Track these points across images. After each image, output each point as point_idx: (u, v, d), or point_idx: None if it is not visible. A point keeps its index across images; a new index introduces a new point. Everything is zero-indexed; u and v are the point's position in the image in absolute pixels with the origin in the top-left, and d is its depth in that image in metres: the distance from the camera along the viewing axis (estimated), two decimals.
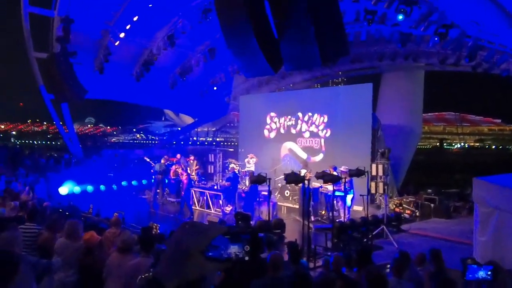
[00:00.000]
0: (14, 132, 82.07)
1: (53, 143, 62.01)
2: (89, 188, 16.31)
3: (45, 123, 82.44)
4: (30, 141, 67.90)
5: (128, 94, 20.88)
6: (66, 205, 12.52)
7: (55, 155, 25.60)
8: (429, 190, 14.99)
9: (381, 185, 12.93)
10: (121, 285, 4.55)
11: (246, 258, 0.92)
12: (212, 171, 18.55)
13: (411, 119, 18.78)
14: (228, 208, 13.51)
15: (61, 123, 20.55)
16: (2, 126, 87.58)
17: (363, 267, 4.66)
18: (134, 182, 17.31)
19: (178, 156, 18.26)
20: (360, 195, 10.51)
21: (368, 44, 16.75)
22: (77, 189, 15.83)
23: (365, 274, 3.42)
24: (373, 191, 12.68)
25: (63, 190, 15.31)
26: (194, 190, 14.81)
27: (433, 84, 21.92)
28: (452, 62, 15.77)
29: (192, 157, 17.39)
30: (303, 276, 3.54)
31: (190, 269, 0.89)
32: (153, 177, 15.87)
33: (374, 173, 12.65)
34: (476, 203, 7.33)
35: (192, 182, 15.76)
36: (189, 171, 16.51)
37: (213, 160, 18.82)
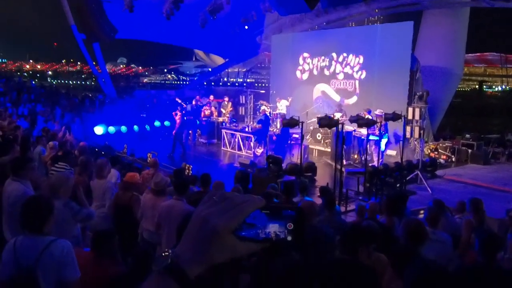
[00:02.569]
0: (50, 72, 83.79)
1: (88, 83, 63.12)
2: (123, 128, 16.62)
3: (79, 63, 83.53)
4: (65, 81, 69.31)
5: (159, 34, 20.58)
6: (101, 145, 12.88)
7: (90, 95, 26.07)
8: (467, 135, 14.43)
9: (416, 129, 12.51)
10: (154, 226, 4.65)
11: (289, 238, 0.74)
12: (243, 113, 18.46)
13: (453, 60, 17.75)
14: (259, 150, 13.53)
15: (94, 63, 20.69)
16: (39, 66, 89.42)
17: (397, 213, 4.55)
18: (166, 123, 17.45)
19: (211, 97, 18.22)
20: (396, 141, 10.20)
21: None
22: (111, 129, 16.17)
23: (403, 225, 3.29)
24: (408, 135, 12.30)
25: (98, 130, 15.67)
26: (226, 132, 14.85)
27: (476, 22, 20.39)
28: None
29: (226, 99, 17.30)
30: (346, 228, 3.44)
31: (218, 252, 0.72)
32: (185, 117, 15.95)
33: (410, 117, 12.21)
34: None
35: (224, 123, 15.80)
36: (223, 112, 16.52)
37: (244, 102, 18.68)
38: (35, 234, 2.63)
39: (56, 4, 17.77)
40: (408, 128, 12.10)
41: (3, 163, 4.58)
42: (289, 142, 13.02)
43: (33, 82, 36.00)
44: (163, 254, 0.74)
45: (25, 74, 71.36)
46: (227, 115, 16.49)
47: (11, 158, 5.01)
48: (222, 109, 16.90)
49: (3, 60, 79.09)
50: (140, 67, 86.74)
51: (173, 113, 14.48)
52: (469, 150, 13.64)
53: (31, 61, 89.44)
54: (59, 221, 3.09)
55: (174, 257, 0.73)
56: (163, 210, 4.35)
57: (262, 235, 0.74)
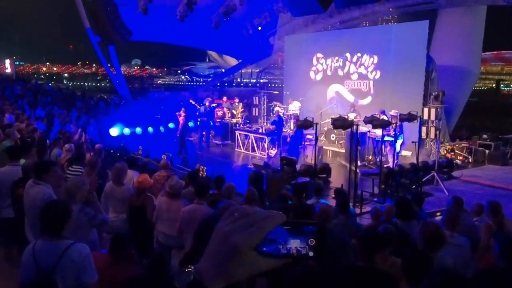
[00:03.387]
0: (66, 74, 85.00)
1: (103, 85, 63.83)
2: (138, 130, 16.77)
3: (94, 65, 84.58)
4: (81, 83, 70.22)
5: (172, 35, 20.73)
6: (117, 146, 13.01)
7: (105, 97, 26.38)
8: (484, 136, 14.19)
9: (432, 130, 12.37)
10: (169, 228, 4.67)
11: (311, 254, 0.74)
12: (257, 114, 18.46)
13: (469, 59, 17.48)
14: (273, 152, 13.51)
15: (108, 65, 20.92)
16: (55, 69, 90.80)
17: (409, 217, 4.47)
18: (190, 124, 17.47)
19: (225, 98, 18.25)
20: (412, 142, 10.07)
21: None
22: (126, 130, 16.33)
23: (420, 229, 3.24)
24: (424, 136, 12.16)
25: (113, 131, 15.83)
26: (239, 133, 14.87)
27: (493, 20, 20.03)
28: None
29: (237, 100, 17.33)
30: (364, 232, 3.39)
31: (240, 268, 0.72)
32: (199, 119, 16.01)
33: (426, 117, 12.07)
34: None
35: (237, 124, 15.83)
36: (234, 113, 16.56)
37: (257, 103, 18.67)
38: (54, 238, 2.66)
39: (72, 7, 18.03)
40: (424, 129, 11.97)
41: (26, 166, 4.64)
42: (303, 143, 12.98)
43: (49, 85, 36.57)
44: (185, 270, 0.74)
45: (42, 76, 72.48)
46: (239, 116, 16.51)
47: (30, 161, 5.07)
48: (233, 111, 16.95)
49: (21, 63, 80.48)
50: (154, 69, 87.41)
51: (177, 113, 14.49)
52: (487, 151, 13.41)
53: (47, 63, 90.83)
54: (74, 226, 3.13)
55: (196, 273, 0.73)
56: (185, 215, 4.35)
57: (283, 251, 0.73)
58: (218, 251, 0.73)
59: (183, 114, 13.89)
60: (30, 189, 3.91)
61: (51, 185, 4.00)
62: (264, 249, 0.73)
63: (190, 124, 17.22)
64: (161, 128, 17.50)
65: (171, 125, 17.52)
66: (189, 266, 0.74)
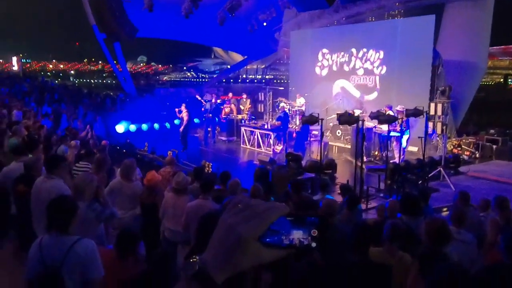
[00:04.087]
0: (72, 72, 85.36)
1: (109, 81, 64.04)
2: (144, 126, 16.84)
3: (100, 62, 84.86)
4: (87, 80, 70.49)
5: (178, 32, 20.73)
6: (123, 143, 13.07)
7: (111, 93, 26.47)
8: (492, 131, 14.09)
9: (439, 125, 12.31)
10: (175, 224, 4.69)
11: (313, 245, 0.74)
12: (262, 110, 18.45)
13: (476, 53, 17.30)
14: (278, 148, 13.51)
15: (114, 62, 20.97)
16: (61, 66, 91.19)
17: (414, 213, 4.44)
18: (195, 120, 17.51)
19: (230, 94, 18.24)
20: (418, 137, 10.02)
21: None
22: (132, 127, 16.40)
23: (425, 225, 3.22)
24: (430, 131, 12.08)
25: (120, 128, 15.91)
26: (245, 129, 14.87)
27: (500, 14, 19.79)
28: None
29: (244, 96, 17.33)
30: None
31: (244, 259, 0.73)
32: (204, 115, 16.02)
33: (432, 112, 12.00)
34: None
35: (243, 120, 15.83)
36: (242, 109, 16.56)
37: (263, 99, 18.65)
38: (60, 233, 2.69)
39: (78, 5, 18.08)
40: (431, 124, 11.90)
41: (27, 163, 4.67)
42: (308, 139, 12.96)
43: (55, 82, 36.76)
44: (191, 260, 0.75)
45: (49, 74, 72.90)
46: (246, 112, 16.50)
47: (32, 157, 5.10)
48: (241, 106, 16.94)
49: (27, 61, 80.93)
50: (160, 65, 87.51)
51: (176, 109, 14.23)
52: (494, 146, 13.32)
53: (54, 61, 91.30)
54: (82, 222, 3.15)
55: (202, 263, 0.74)
56: (191, 210, 4.36)
57: (286, 242, 0.74)
58: (223, 241, 0.75)
59: (184, 110, 13.76)
60: (43, 184, 3.94)
61: (63, 180, 4.05)
62: (267, 239, 0.74)
63: (196, 120, 17.25)
64: (167, 125, 17.54)
65: (176, 121, 17.55)
66: (194, 256, 0.76)
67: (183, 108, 13.80)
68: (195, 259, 0.76)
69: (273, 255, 0.75)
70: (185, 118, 13.68)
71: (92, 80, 70.53)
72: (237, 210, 0.77)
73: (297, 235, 0.75)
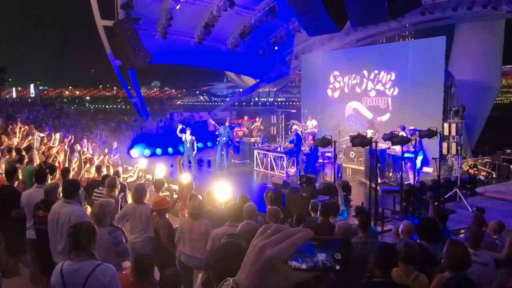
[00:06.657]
0: (88, 97, 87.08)
1: (123, 107, 65.12)
2: (158, 150, 17.01)
3: (115, 88, 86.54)
4: (102, 105, 71.82)
5: (191, 58, 21.11)
6: None
7: (125, 118, 26.90)
8: (508, 150, 13.92)
9: (453, 145, 12.19)
10: (191, 249, 4.71)
11: (337, 268, 0.80)
12: (275, 133, 18.53)
13: (489, 73, 17.29)
14: (292, 170, 13.50)
15: (129, 87, 21.37)
16: (77, 92, 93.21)
17: (432, 239, 4.39)
18: (199, 145, 17.72)
19: (246, 118, 18.39)
20: (433, 158, 9.95)
21: None
22: (147, 152, 16.58)
23: (446, 248, 3.19)
24: (445, 152, 11.99)
25: (134, 153, 16.10)
26: (258, 152, 14.92)
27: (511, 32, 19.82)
28: None
29: (257, 119, 17.51)
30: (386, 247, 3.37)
31: (273, 280, 0.79)
32: (218, 139, 16.14)
33: (446, 133, 11.93)
34: None
35: (256, 143, 15.90)
36: (252, 129, 16.66)
37: (275, 122, 18.75)
38: (81, 258, 2.74)
39: (94, 34, 18.60)
40: (445, 145, 11.81)
41: (47, 189, 4.77)
42: (322, 161, 12.93)
43: (72, 107, 37.50)
44: (225, 283, 0.82)
45: (65, 100, 74.46)
46: (255, 130, 16.61)
47: (52, 183, 5.21)
48: (252, 128, 17.07)
49: (45, 88, 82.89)
50: (173, 90, 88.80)
51: (179, 135, 13.90)
52: (511, 166, 13.13)
53: (70, 87, 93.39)
54: (102, 247, 3.21)
55: (234, 285, 0.80)
56: (217, 237, 4.24)
57: (310, 264, 0.80)
58: (254, 264, 0.81)
59: (188, 132, 13.73)
60: (62, 209, 4.04)
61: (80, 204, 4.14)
62: (293, 261, 0.79)
63: (199, 145, 17.27)
64: (181, 149, 17.68)
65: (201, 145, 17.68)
66: (229, 278, 0.83)
67: (188, 132, 13.86)
68: (228, 281, 0.83)
69: (300, 277, 0.81)
70: (194, 144, 13.78)
71: (107, 106, 71.78)
72: (267, 235, 0.83)
73: (321, 257, 0.80)
